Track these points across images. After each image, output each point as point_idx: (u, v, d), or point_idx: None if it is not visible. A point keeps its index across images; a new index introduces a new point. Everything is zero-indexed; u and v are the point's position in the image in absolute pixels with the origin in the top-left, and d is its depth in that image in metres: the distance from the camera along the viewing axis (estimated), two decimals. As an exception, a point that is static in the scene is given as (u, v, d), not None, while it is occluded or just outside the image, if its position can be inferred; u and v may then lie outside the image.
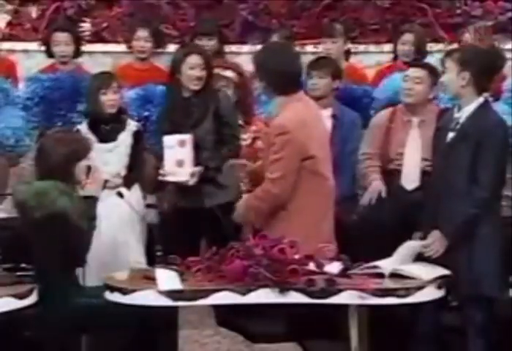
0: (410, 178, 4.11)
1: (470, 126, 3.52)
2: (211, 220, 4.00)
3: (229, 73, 4.49)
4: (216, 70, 4.45)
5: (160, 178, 4.09)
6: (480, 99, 3.57)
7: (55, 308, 3.39)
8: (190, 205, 4.06)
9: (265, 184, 3.59)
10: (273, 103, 3.71)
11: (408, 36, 4.94)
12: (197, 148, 4.06)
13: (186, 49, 4.30)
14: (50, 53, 4.95)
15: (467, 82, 3.54)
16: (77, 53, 4.96)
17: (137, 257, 4.10)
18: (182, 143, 4.04)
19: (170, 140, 4.06)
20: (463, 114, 3.56)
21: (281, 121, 3.59)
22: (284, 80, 3.61)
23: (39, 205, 3.41)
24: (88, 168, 3.57)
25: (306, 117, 3.60)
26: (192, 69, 4.11)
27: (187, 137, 4.04)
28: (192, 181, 4.04)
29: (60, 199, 3.41)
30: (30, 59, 5.24)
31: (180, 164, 4.04)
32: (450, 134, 3.57)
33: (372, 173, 4.22)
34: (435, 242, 3.50)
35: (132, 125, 4.40)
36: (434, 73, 4.21)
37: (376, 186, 4.19)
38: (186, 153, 4.03)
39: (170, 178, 4.07)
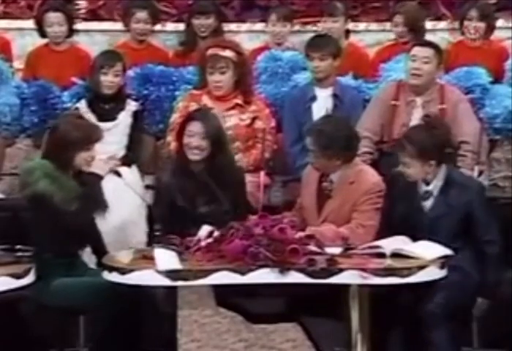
0: None
1: (450, 196, 3.52)
2: None
3: (228, 53, 4.42)
4: (215, 50, 4.40)
5: None
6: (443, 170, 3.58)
7: (50, 289, 3.37)
8: None
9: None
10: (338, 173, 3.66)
11: (398, 18, 4.89)
12: None
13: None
14: (42, 33, 4.89)
15: None
16: (71, 33, 4.89)
17: (139, 237, 4.07)
18: None
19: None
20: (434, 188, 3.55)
21: (378, 181, 3.70)
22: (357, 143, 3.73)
23: (24, 183, 3.45)
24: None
25: None
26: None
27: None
28: None
29: (41, 181, 3.42)
30: (25, 37, 5.18)
31: None
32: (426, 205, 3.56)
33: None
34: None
35: (131, 105, 4.38)
36: (439, 52, 4.16)
37: None
38: None
39: None
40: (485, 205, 3.56)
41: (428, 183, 3.57)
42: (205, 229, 3.43)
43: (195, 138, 3.71)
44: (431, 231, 3.49)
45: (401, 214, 3.56)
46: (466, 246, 3.52)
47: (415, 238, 3.49)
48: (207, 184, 3.69)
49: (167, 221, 3.69)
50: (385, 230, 3.55)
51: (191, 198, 3.67)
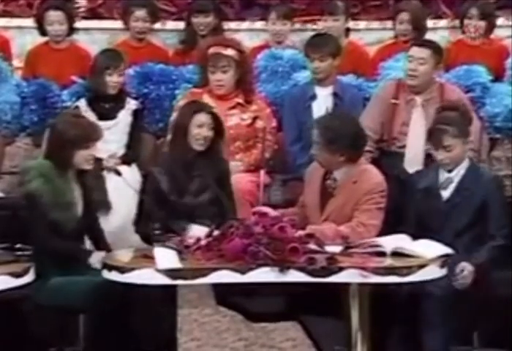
0: (414, 162, 4.07)
1: (470, 184, 3.58)
2: None
3: (230, 51, 4.41)
4: (217, 49, 4.39)
5: None
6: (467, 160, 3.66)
7: (47, 288, 3.37)
8: None
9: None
10: (342, 171, 3.67)
11: (404, 15, 4.88)
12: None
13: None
14: (43, 32, 4.88)
15: None
16: (71, 31, 4.89)
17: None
18: None
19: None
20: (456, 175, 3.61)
21: (381, 180, 3.70)
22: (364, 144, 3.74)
23: (21, 182, 3.48)
24: (94, 158, 3.58)
25: None
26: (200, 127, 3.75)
27: None
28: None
29: (35, 180, 3.42)
30: (24, 36, 5.18)
31: None
32: (445, 193, 3.59)
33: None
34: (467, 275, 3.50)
35: (131, 103, 4.39)
36: (438, 52, 4.16)
37: None
38: None
39: None
40: (502, 201, 3.62)
41: (450, 171, 3.60)
42: (196, 228, 3.42)
43: (204, 129, 3.74)
44: (448, 218, 3.52)
45: (418, 204, 3.60)
46: (473, 243, 3.55)
47: (430, 226, 3.50)
48: (203, 174, 3.70)
49: (156, 210, 3.68)
50: (399, 219, 3.58)
51: (183, 188, 3.67)
